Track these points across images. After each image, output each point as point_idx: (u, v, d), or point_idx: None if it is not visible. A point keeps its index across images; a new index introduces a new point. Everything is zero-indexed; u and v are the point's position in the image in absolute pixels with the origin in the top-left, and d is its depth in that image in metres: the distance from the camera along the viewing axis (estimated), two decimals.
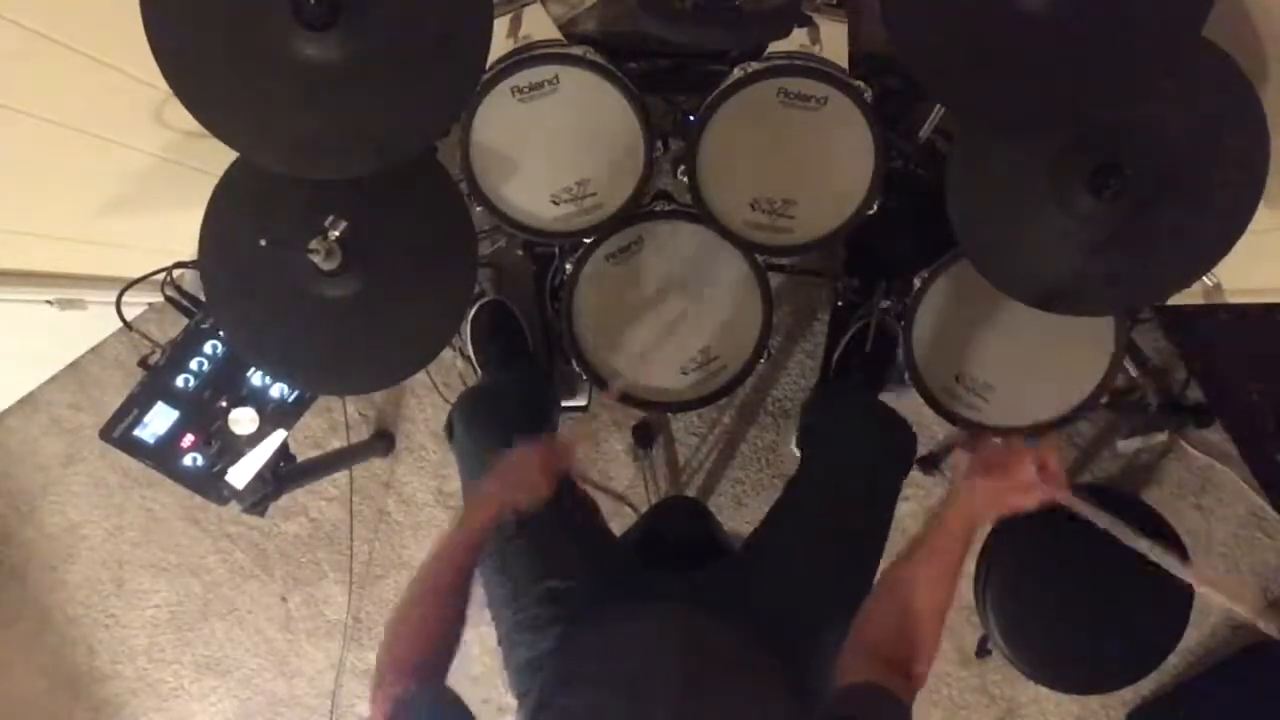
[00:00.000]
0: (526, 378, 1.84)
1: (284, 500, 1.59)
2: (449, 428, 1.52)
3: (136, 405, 1.39)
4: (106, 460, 2.24)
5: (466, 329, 1.93)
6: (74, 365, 2.22)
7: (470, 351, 1.93)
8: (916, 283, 1.53)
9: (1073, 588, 1.65)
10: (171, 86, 1.04)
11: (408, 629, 1.06)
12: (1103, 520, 1.10)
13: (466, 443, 1.44)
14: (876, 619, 1.01)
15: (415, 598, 1.08)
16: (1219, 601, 1.20)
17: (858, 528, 1.32)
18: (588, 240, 1.50)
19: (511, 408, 1.52)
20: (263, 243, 1.11)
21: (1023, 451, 1.07)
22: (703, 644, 1.06)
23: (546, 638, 1.19)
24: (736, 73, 1.36)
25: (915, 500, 2.09)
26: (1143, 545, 1.11)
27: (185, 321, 1.42)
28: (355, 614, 2.24)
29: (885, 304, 1.70)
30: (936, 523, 1.06)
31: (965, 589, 1.83)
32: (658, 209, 1.52)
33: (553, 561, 1.25)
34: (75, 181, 1.50)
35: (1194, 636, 2.06)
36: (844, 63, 1.39)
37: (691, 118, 1.40)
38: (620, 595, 1.20)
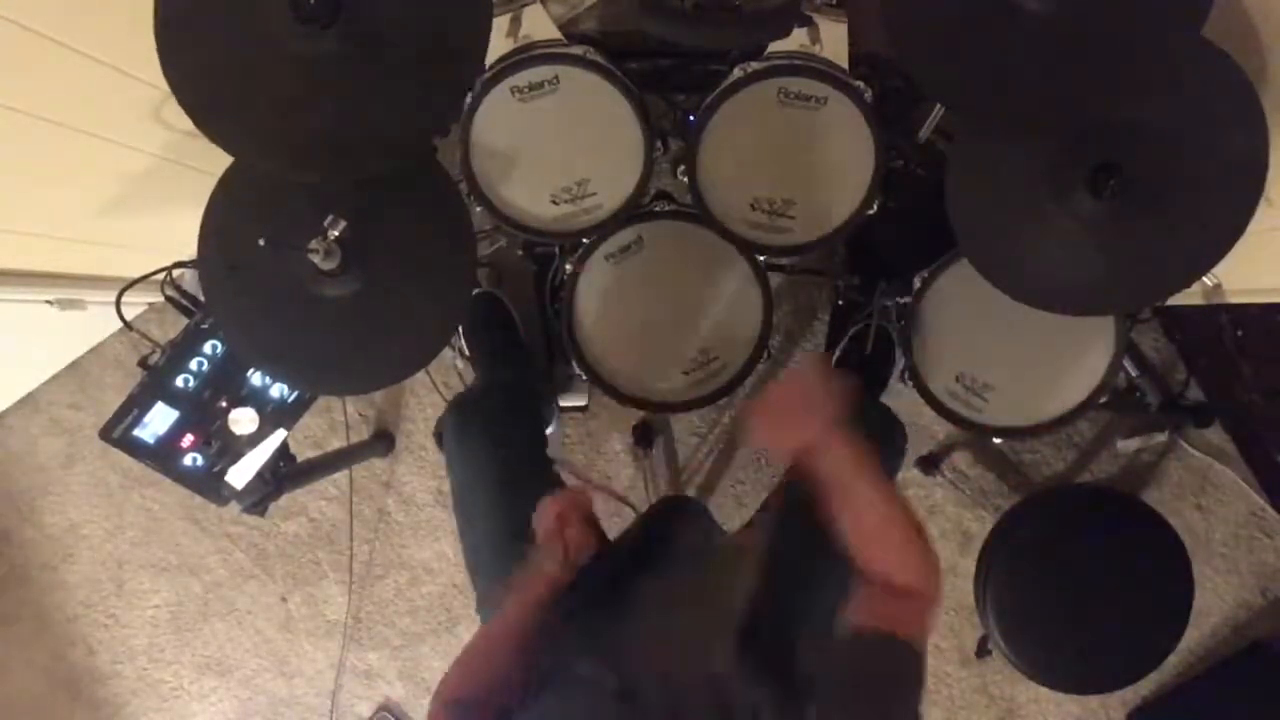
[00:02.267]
0: (518, 377, 1.84)
1: (284, 500, 1.59)
2: (438, 436, 1.52)
3: (136, 405, 1.39)
4: (106, 460, 2.24)
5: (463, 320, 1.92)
6: (74, 365, 2.22)
7: (463, 345, 1.93)
8: (916, 283, 1.53)
9: (1073, 588, 1.65)
10: (173, 90, 1.04)
11: (468, 672, 1.07)
12: None
13: (456, 451, 1.44)
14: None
15: (478, 651, 1.09)
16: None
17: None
18: (587, 240, 1.50)
19: (501, 412, 1.52)
20: (261, 242, 1.11)
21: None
22: (688, 645, 1.05)
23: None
24: (736, 73, 1.36)
25: (915, 500, 2.09)
26: None
27: (185, 321, 1.42)
28: (355, 614, 2.24)
29: (885, 304, 1.70)
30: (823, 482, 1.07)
31: (965, 589, 1.83)
32: (658, 209, 1.52)
33: None
34: (75, 181, 1.50)
35: (1194, 636, 2.06)
36: (844, 63, 1.39)
37: (691, 118, 1.40)
38: (614, 600, 1.20)
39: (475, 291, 1.93)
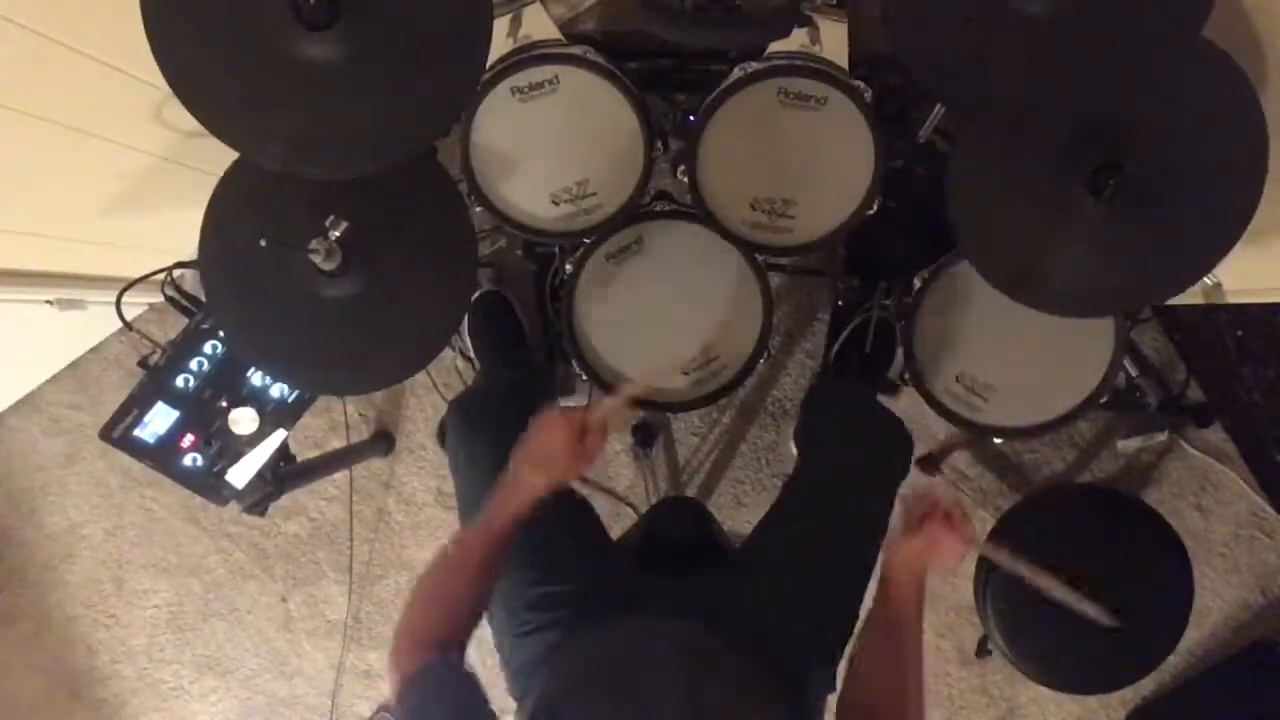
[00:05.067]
0: (521, 377, 1.84)
1: (284, 500, 1.59)
2: (441, 436, 1.51)
3: (136, 405, 1.39)
4: (106, 460, 2.24)
5: (464, 320, 1.92)
6: (74, 365, 2.22)
7: (468, 344, 1.93)
8: (916, 283, 1.53)
9: (1072, 588, 1.65)
10: (171, 86, 1.04)
11: (427, 604, 1.08)
12: (1021, 570, 1.19)
13: (458, 448, 1.44)
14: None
15: (437, 578, 1.10)
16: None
17: (853, 533, 1.32)
18: (588, 240, 1.50)
19: (505, 413, 1.51)
20: (263, 243, 1.11)
21: (928, 507, 1.14)
22: (699, 654, 1.05)
23: (542, 642, 1.18)
24: (736, 73, 1.36)
25: None
26: (1060, 595, 1.21)
27: (185, 321, 1.43)
28: (355, 614, 2.24)
29: (885, 303, 1.70)
30: (878, 609, 1.13)
31: (965, 589, 1.83)
32: (658, 209, 1.52)
33: (550, 565, 1.24)
34: (75, 181, 1.50)
35: (1194, 636, 2.06)
36: (844, 63, 1.40)
37: (691, 118, 1.40)
38: (617, 601, 1.20)
39: (482, 290, 1.93)
